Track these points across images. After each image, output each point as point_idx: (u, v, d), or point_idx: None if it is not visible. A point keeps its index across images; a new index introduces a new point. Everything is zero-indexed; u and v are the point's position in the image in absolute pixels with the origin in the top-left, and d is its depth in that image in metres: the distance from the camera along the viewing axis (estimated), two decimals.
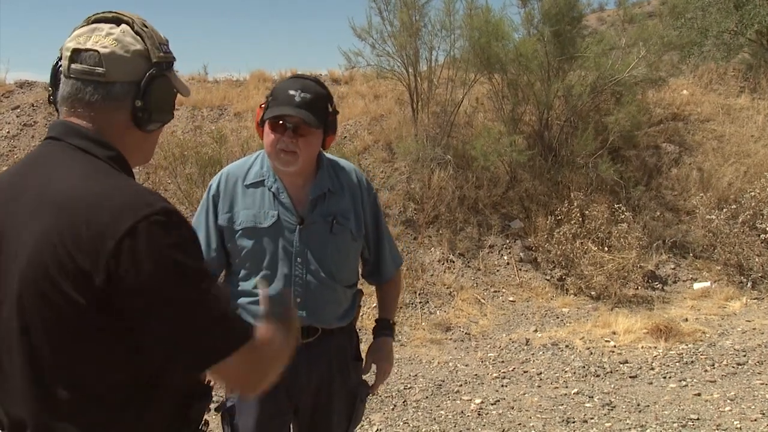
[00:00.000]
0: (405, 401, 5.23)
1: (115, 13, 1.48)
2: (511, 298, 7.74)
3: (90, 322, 1.28)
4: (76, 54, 1.41)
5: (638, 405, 5.03)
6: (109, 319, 1.28)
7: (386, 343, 2.61)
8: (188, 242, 1.35)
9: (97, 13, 1.48)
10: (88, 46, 1.41)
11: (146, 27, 1.48)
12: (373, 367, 2.60)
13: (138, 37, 1.45)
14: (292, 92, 2.28)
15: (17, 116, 9.97)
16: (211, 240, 2.42)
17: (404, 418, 4.96)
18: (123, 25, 1.46)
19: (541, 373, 5.83)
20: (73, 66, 1.41)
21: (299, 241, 2.38)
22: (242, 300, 2.39)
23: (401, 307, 7.27)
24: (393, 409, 5.06)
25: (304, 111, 2.24)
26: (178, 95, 1.57)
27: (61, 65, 1.45)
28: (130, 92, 1.44)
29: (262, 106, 2.34)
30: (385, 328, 2.62)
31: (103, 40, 1.42)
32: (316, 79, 2.41)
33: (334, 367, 2.45)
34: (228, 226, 2.40)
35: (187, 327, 1.30)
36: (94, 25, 1.45)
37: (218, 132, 8.57)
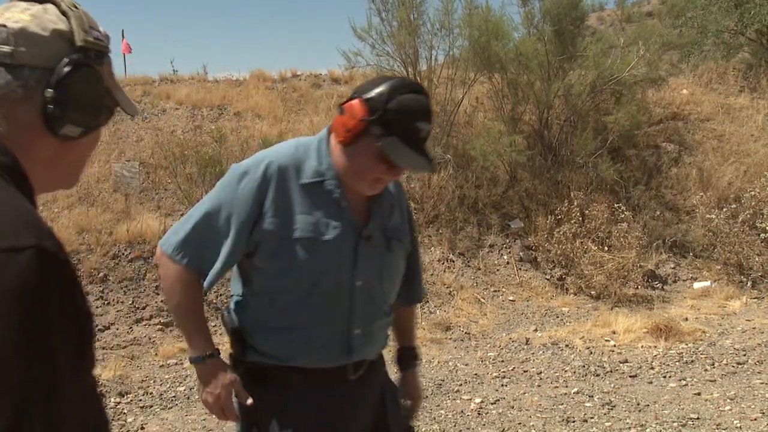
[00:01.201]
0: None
1: None
2: (511, 298, 7.74)
3: None
4: None
5: (638, 404, 5.03)
6: None
7: (416, 376, 2.31)
8: (53, 299, 0.92)
9: None
10: None
11: (76, 8, 1.16)
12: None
13: (63, 17, 1.13)
14: (420, 125, 1.85)
15: None
16: (238, 245, 1.91)
17: None
18: (48, 4, 1.14)
19: (541, 373, 5.83)
20: None
21: (359, 260, 1.97)
22: (273, 338, 1.95)
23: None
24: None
25: (430, 161, 1.90)
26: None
27: None
28: (42, 80, 1.09)
29: (366, 119, 1.82)
30: (413, 358, 2.32)
31: (18, 15, 1.10)
32: (426, 92, 1.96)
33: (388, 399, 2.12)
34: (276, 233, 1.88)
35: None
36: (12, 3, 1.15)
37: (218, 131, 8.57)
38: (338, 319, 1.96)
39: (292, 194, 1.90)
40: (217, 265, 1.92)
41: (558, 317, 7.28)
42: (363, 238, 1.97)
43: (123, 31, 13.11)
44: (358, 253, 1.95)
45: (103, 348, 6.54)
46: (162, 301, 7.10)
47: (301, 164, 1.93)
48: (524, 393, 5.38)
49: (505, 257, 8.36)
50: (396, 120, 1.81)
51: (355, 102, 1.84)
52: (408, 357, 2.31)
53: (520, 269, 8.21)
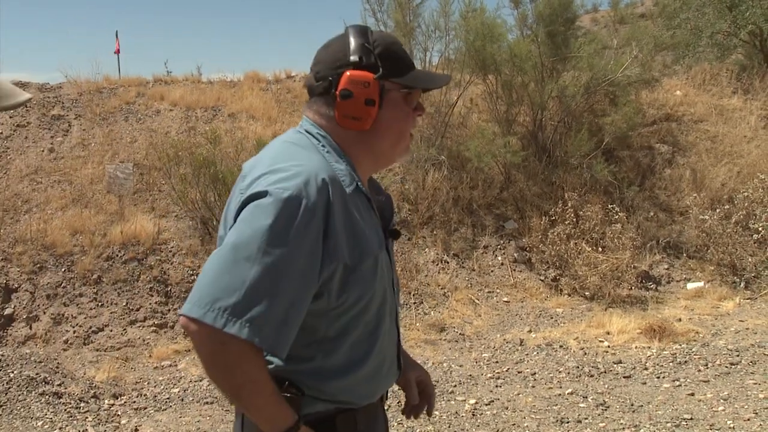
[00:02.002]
0: (399, 402, 5.22)
1: None
2: (505, 299, 7.75)
3: None
4: None
5: (632, 405, 5.04)
6: None
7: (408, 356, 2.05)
8: None
9: None
10: None
11: None
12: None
13: None
14: (403, 48, 1.72)
15: (10, 117, 9.94)
16: (306, 298, 1.51)
17: (399, 419, 4.96)
18: None
19: (535, 374, 5.84)
20: None
21: (391, 264, 1.73)
22: (343, 381, 1.62)
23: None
24: (388, 410, 5.05)
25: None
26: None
27: None
28: None
29: (377, 77, 1.61)
30: None
31: None
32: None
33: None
34: (352, 265, 1.54)
35: None
36: None
37: (212, 132, 8.55)
38: (395, 335, 1.76)
39: (347, 210, 1.56)
40: (280, 326, 1.47)
41: (552, 318, 7.30)
42: (391, 235, 1.76)
43: (117, 32, 13.05)
44: (390, 255, 1.74)
45: (97, 350, 6.54)
46: (156, 302, 7.09)
47: (334, 171, 1.58)
48: (518, 394, 5.39)
49: (500, 258, 8.37)
50: (394, 56, 1.66)
51: (351, 75, 1.60)
52: None
53: (514, 270, 8.22)
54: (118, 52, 13.18)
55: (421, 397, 1.97)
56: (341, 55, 1.63)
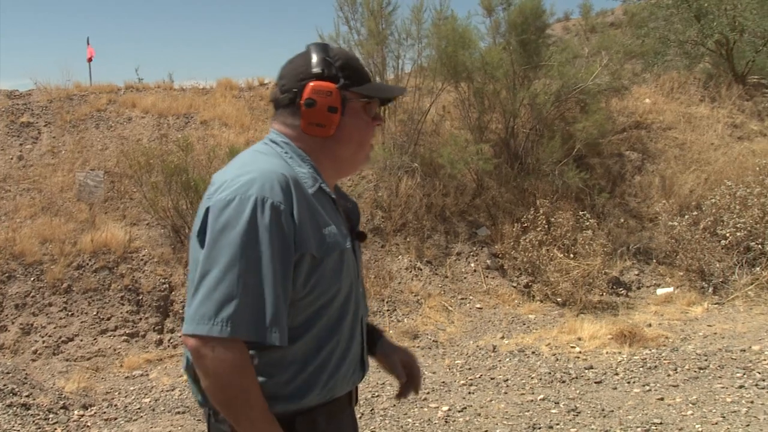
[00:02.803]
0: (372, 409, 5.24)
1: None
2: (478, 305, 7.79)
3: None
4: None
5: (603, 410, 5.10)
6: None
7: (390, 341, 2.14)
8: None
9: None
10: None
11: None
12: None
13: None
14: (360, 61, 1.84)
15: None
16: (288, 290, 1.60)
17: (371, 427, 4.96)
18: None
19: (507, 380, 5.88)
20: None
21: (359, 263, 1.83)
22: (304, 377, 1.67)
23: (369, 315, 7.28)
24: (360, 418, 5.06)
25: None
26: None
27: None
28: None
29: (338, 87, 1.72)
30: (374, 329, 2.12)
31: None
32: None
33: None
34: (314, 256, 1.63)
35: None
36: None
37: (184, 140, 8.51)
38: (359, 335, 1.81)
39: (312, 206, 1.66)
40: (277, 318, 1.57)
41: (524, 324, 7.35)
42: (357, 237, 1.84)
43: (88, 38, 12.93)
44: (357, 255, 1.83)
45: (67, 360, 6.46)
46: (128, 311, 7.02)
47: (295, 173, 1.69)
48: (491, 400, 5.42)
49: (473, 265, 8.42)
50: (353, 68, 1.78)
51: (314, 85, 1.71)
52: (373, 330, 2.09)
53: (487, 277, 8.27)
54: (90, 59, 13.07)
55: (408, 378, 2.05)
56: (304, 68, 1.75)
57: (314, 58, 1.74)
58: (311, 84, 1.71)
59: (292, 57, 1.81)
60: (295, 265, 1.60)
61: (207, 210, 1.60)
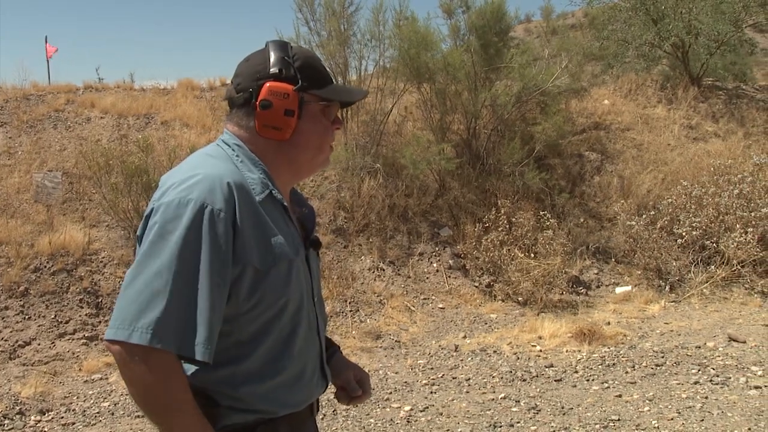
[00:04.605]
0: (335, 410, 5.24)
1: None
2: (440, 305, 7.84)
3: None
4: None
5: (562, 408, 5.17)
6: None
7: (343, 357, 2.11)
8: None
9: None
10: None
11: None
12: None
13: None
14: (322, 63, 1.78)
15: None
16: (222, 302, 1.53)
17: (334, 428, 4.97)
18: None
19: (469, 379, 5.93)
20: None
21: (312, 272, 1.77)
22: (261, 388, 1.62)
23: (332, 316, 7.29)
24: (322, 419, 5.07)
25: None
26: None
27: None
28: None
29: (296, 89, 1.66)
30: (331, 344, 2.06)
31: None
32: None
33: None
34: (258, 268, 1.56)
35: None
36: None
37: (145, 141, 8.40)
38: (317, 346, 1.78)
39: (258, 215, 1.58)
40: (207, 332, 1.48)
41: (486, 324, 7.42)
42: (311, 246, 1.78)
43: (46, 37, 12.69)
44: (310, 264, 1.77)
45: (24, 364, 6.34)
46: (87, 314, 6.93)
47: (244, 179, 1.61)
48: (453, 399, 5.46)
49: (435, 265, 8.46)
50: (313, 69, 1.71)
51: (271, 86, 1.65)
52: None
53: (449, 277, 8.32)
54: (50, 57, 12.84)
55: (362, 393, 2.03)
56: (261, 67, 1.68)
57: (272, 57, 1.68)
58: (268, 84, 1.65)
59: (249, 54, 1.75)
60: (236, 279, 1.53)
61: (150, 212, 1.55)
